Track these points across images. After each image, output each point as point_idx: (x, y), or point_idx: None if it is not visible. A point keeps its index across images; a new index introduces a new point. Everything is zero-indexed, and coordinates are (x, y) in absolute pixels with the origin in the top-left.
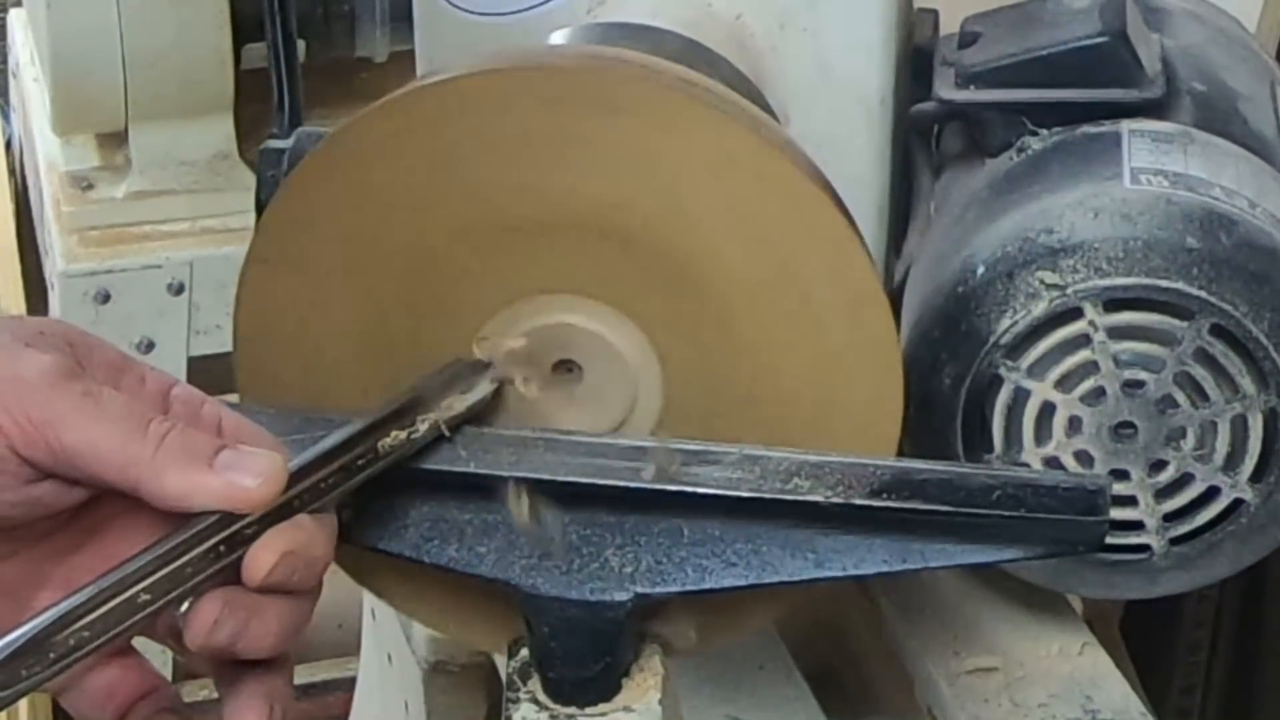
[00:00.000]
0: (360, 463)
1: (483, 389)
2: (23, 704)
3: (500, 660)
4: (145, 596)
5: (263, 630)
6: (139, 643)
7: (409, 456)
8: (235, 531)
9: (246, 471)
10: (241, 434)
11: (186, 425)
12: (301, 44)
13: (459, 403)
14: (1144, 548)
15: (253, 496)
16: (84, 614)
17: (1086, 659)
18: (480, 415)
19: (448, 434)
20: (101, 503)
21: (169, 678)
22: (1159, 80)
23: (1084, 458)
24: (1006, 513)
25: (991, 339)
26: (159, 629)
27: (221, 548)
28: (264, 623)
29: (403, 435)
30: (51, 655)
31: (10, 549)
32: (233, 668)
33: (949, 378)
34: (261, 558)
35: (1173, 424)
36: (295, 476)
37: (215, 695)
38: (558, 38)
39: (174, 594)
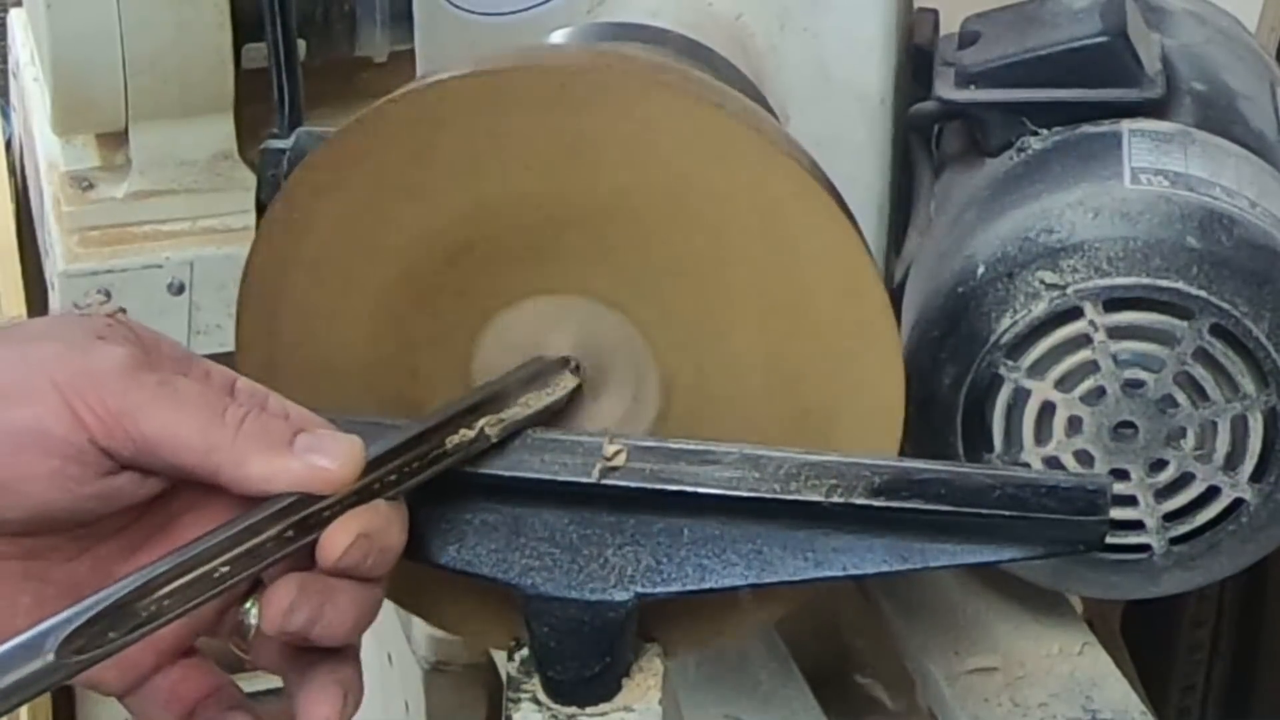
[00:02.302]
0: (435, 454)
1: (564, 387)
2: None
3: (500, 660)
4: (224, 569)
5: (337, 616)
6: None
7: (484, 452)
8: (312, 513)
9: (326, 454)
10: (309, 423)
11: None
12: (301, 44)
13: (537, 400)
14: (1144, 547)
15: (333, 477)
16: (165, 583)
17: (1086, 659)
18: (557, 414)
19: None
20: (171, 500)
21: None
22: (1159, 80)
23: (1084, 457)
24: (1006, 513)
25: (991, 339)
26: (223, 628)
27: (298, 528)
28: (338, 608)
29: (471, 433)
30: (132, 621)
31: (80, 547)
32: (303, 659)
33: (949, 378)
34: (337, 538)
35: (1173, 424)
36: (373, 464)
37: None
38: (558, 37)
39: (251, 570)
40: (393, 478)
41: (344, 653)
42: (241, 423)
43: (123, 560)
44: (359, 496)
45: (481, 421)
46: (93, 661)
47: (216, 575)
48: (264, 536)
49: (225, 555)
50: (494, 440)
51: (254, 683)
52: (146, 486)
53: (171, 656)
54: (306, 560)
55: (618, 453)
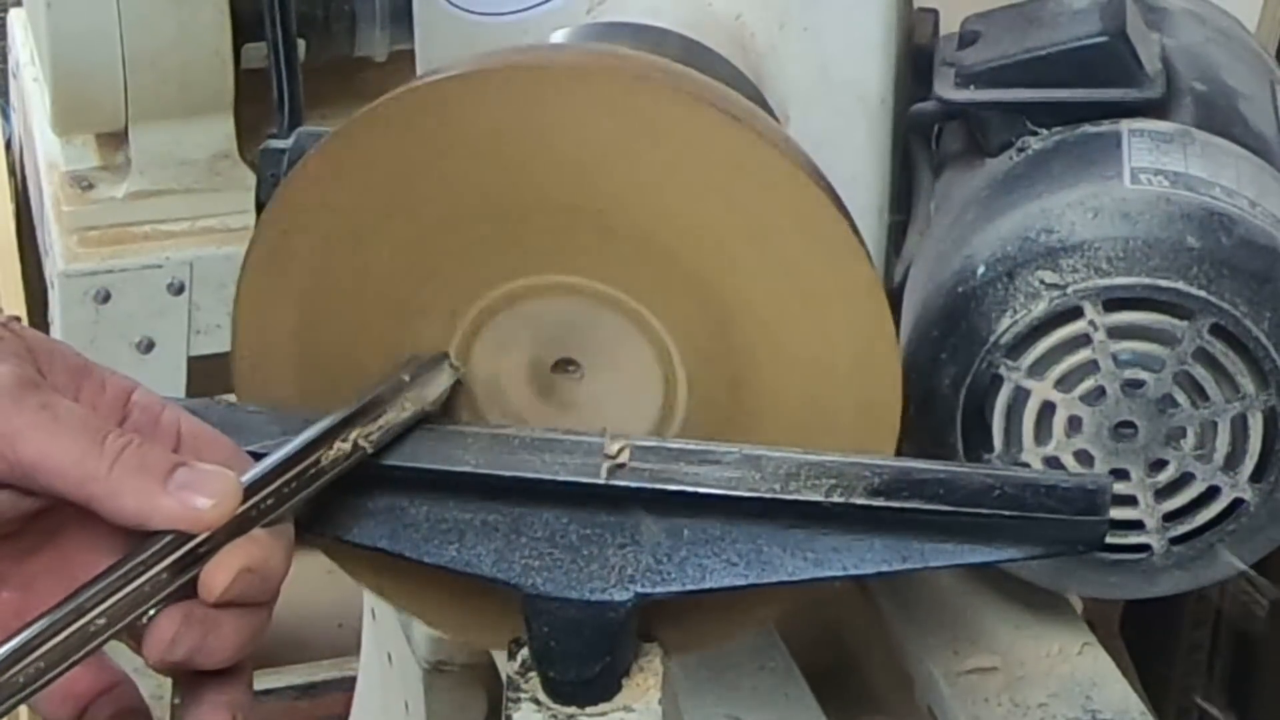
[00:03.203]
0: (312, 472)
1: (441, 383)
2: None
3: (500, 660)
4: (101, 621)
5: (220, 644)
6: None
7: (371, 458)
8: (191, 549)
9: (201, 492)
10: (201, 442)
11: (145, 434)
12: (301, 44)
13: (415, 400)
14: (1144, 547)
15: (207, 518)
16: (39, 645)
17: (1086, 659)
18: (446, 405)
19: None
20: (61, 505)
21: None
22: (1159, 80)
23: (1084, 457)
24: (1006, 512)
25: (991, 339)
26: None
27: (177, 565)
28: (221, 636)
29: (346, 446)
30: (9, 690)
31: None
32: (193, 676)
33: (949, 378)
34: (218, 576)
35: (1173, 424)
36: (251, 489)
37: None
38: (558, 37)
39: (131, 616)
40: (270, 501)
41: (235, 670)
42: (120, 453)
43: (14, 563)
44: (238, 525)
45: (355, 433)
46: None
47: (94, 628)
48: (139, 582)
49: (100, 607)
50: (370, 451)
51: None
52: (26, 504)
53: None
54: (190, 588)
55: (622, 450)
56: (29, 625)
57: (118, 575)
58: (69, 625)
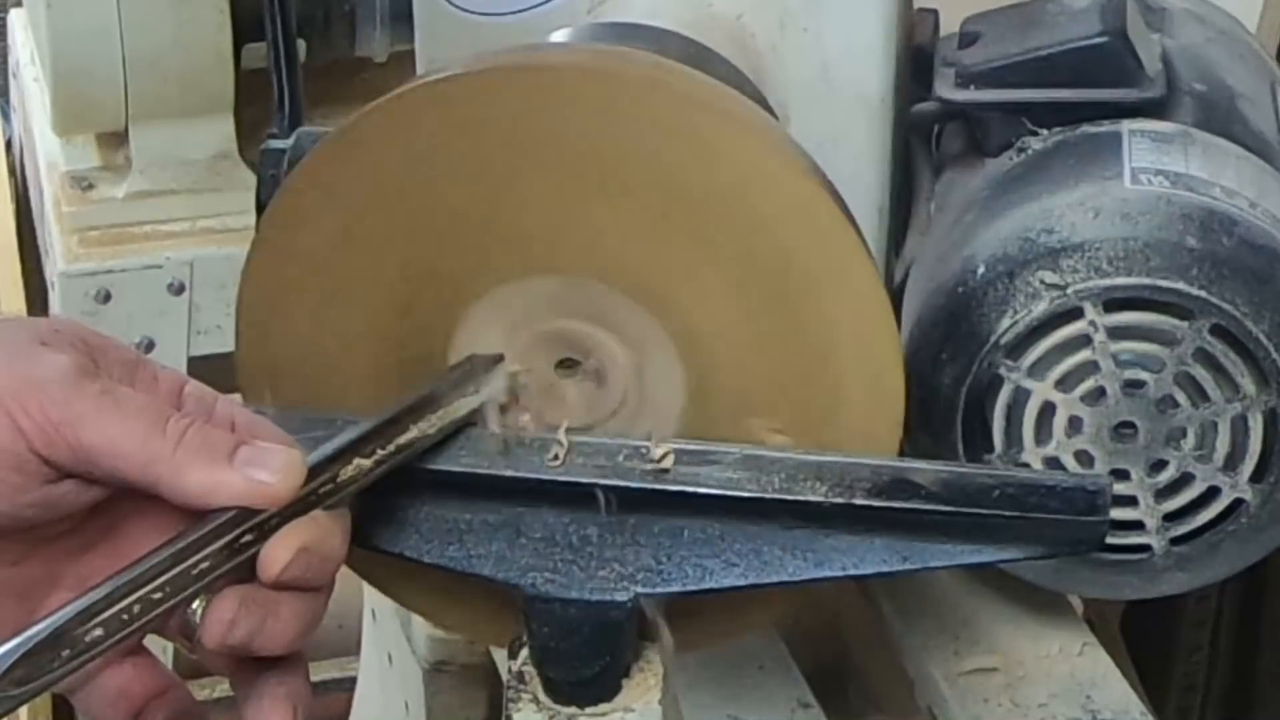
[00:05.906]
0: (372, 460)
1: (496, 384)
2: None
3: (500, 659)
4: (161, 593)
5: (279, 628)
6: (150, 642)
7: (420, 455)
8: (251, 528)
9: (266, 467)
10: (255, 431)
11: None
12: (301, 44)
13: (472, 400)
14: (1144, 548)
15: (273, 492)
16: (100, 611)
17: (1086, 659)
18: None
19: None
20: (115, 503)
21: None
22: (1159, 80)
23: (1084, 458)
24: (1006, 513)
25: (992, 339)
26: (170, 627)
27: (238, 543)
28: (280, 620)
29: (408, 436)
30: (68, 652)
31: (24, 550)
32: (250, 668)
33: (949, 378)
34: (278, 553)
35: (1173, 424)
36: (312, 472)
37: (218, 696)
38: (558, 37)
39: (189, 591)
40: (329, 487)
41: (291, 661)
42: (183, 434)
43: (68, 562)
44: (299, 507)
45: (421, 424)
46: (34, 693)
47: (155, 598)
48: (199, 556)
49: (164, 576)
50: (434, 439)
51: None
52: (89, 494)
53: (120, 654)
54: (247, 571)
55: (665, 455)
56: (91, 590)
57: (179, 548)
58: (131, 593)
